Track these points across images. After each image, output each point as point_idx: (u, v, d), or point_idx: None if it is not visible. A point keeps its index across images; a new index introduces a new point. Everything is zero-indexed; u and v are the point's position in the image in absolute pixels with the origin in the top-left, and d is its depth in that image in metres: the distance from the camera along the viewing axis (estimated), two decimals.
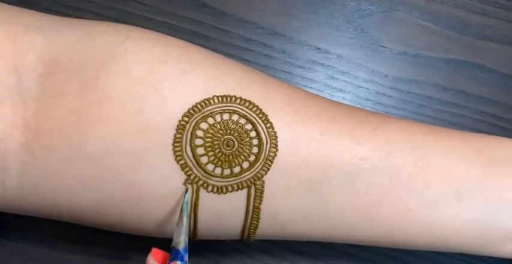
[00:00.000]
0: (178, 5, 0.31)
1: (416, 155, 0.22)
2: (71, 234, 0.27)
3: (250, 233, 0.23)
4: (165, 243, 0.23)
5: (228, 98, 0.21)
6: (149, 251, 0.26)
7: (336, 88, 0.31)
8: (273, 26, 0.31)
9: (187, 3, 0.31)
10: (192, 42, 0.23)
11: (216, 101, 0.21)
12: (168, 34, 0.23)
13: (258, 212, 0.22)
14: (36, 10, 0.23)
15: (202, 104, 0.21)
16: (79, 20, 0.23)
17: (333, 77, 0.31)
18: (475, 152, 0.23)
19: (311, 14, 0.32)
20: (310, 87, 0.31)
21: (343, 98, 0.31)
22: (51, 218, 0.23)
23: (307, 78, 0.31)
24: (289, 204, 0.22)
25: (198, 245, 0.23)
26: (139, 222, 0.22)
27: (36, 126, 0.21)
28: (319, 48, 0.32)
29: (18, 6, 0.23)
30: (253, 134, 0.22)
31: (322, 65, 0.31)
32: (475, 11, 0.32)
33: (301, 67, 0.31)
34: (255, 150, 0.21)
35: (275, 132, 0.22)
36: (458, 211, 0.22)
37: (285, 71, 0.31)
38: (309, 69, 0.31)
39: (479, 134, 0.24)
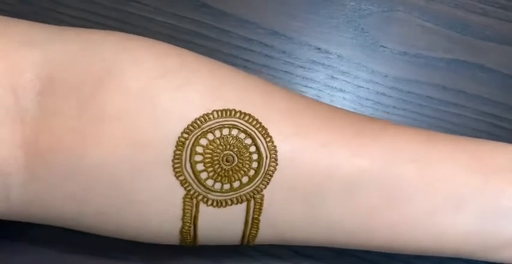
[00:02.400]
0: (178, 5, 0.31)
1: (416, 164, 0.22)
2: (71, 234, 0.27)
3: (250, 240, 0.23)
4: (165, 245, 0.23)
5: (228, 112, 0.21)
6: (149, 251, 0.26)
7: (336, 88, 0.31)
8: (273, 26, 0.31)
9: (187, 3, 0.31)
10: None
11: (216, 115, 0.21)
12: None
13: (258, 223, 0.22)
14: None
15: (202, 119, 0.21)
16: (75, 30, 0.23)
17: (333, 77, 0.31)
18: (475, 160, 0.23)
19: (311, 14, 0.32)
20: (310, 87, 0.31)
21: (343, 98, 0.31)
22: (56, 225, 0.23)
23: (307, 78, 0.31)
24: (289, 215, 0.22)
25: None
26: (140, 232, 0.23)
27: (35, 145, 0.21)
28: (319, 48, 0.32)
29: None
30: (252, 148, 0.21)
31: (322, 65, 0.31)
32: (475, 11, 0.32)
33: (301, 67, 0.31)
34: (254, 165, 0.21)
35: (275, 146, 0.21)
36: (457, 219, 0.22)
37: (285, 71, 0.31)
38: (309, 69, 0.31)
39: (479, 140, 0.24)
